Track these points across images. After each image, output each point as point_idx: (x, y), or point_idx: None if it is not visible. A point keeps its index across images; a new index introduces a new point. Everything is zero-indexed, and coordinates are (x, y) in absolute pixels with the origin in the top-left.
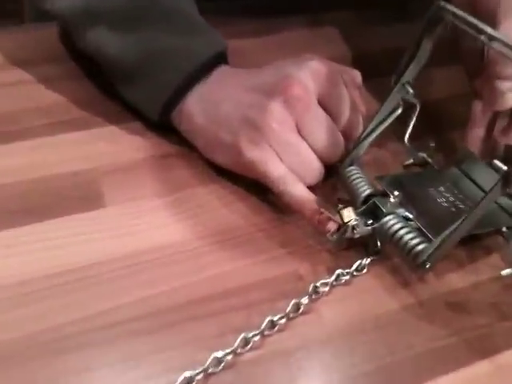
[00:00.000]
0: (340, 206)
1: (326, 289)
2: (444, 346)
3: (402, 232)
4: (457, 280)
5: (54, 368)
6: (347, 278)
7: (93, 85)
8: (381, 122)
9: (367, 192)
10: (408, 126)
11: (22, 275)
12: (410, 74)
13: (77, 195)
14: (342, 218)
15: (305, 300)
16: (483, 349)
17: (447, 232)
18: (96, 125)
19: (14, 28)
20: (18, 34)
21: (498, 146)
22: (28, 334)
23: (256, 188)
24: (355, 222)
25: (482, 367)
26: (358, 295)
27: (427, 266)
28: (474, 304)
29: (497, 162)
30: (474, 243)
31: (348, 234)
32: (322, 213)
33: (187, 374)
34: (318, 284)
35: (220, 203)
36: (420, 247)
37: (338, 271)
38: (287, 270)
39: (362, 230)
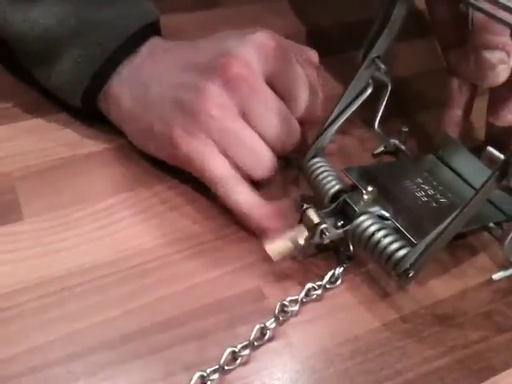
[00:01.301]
0: (305, 205)
1: (296, 308)
2: (435, 370)
3: (379, 235)
4: (442, 288)
5: None
6: (319, 292)
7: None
8: (348, 106)
9: (336, 188)
10: (378, 109)
11: None
12: (380, 47)
13: None
14: (306, 221)
15: (271, 323)
16: (479, 371)
17: (433, 235)
18: (11, 119)
19: None
20: None
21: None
22: None
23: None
24: (324, 225)
25: None
26: (333, 313)
27: (410, 275)
28: (464, 315)
29: (491, 150)
30: (457, 242)
31: (316, 240)
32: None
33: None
34: (285, 302)
35: (164, 207)
36: (401, 253)
37: (308, 285)
38: (247, 287)
39: (333, 233)
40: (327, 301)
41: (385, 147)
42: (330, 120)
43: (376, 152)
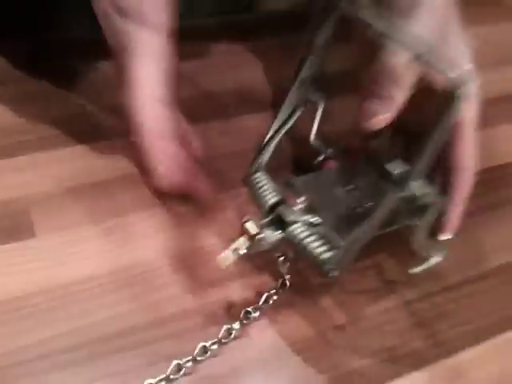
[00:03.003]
0: (245, 218)
1: (257, 313)
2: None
3: (306, 241)
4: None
5: None
6: (275, 298)
7: (18, 111)
8: (283, 124)
9: (272, 200)
10: (313, 124)
11: None
12: (307, 70)
13: (5, 225)
14: (246, 232)
15: (236, 325)
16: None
17: (350, 239)
18: (25, 152)
19: None
20: None
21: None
22: None
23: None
24: (261, 236)
25: None
26: (287, 317)
27: (334, 274)
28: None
29: (387, 167)
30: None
31: (255, 249)
32: None
33: (150, 380)
34: (248, 309)
35: (150, 232)
36: (326, 255)
37: (266, 294)
38: (218, 297)
39: (269, 242)
40: (282, 305)
41: (324, 157)
42: (267, 138)
43: (316, 162)
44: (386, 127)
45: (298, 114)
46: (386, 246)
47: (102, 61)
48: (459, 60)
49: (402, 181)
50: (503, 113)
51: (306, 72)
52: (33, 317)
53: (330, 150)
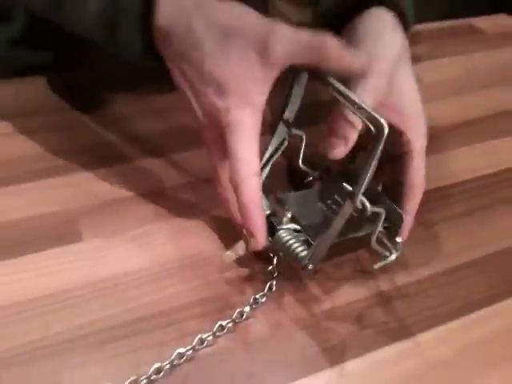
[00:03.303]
0: None
1: (264, 299)
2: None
3: (289, 243)
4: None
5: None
6: (263, 300)
7: (69, 136)
8: (272, 154)
9: (266, 213)
10: (299, 153)
11: (23, 295)
12: (288, 113)
13: (57, 232)
14: (244, 237)
15: (247, 309)
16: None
17: (318, 241)
18: (63, 173)
19: None
20: None
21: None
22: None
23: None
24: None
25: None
26: (286, 302)
27: (309, 268)
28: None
29: (345, 185)
30: None
31: (249, 249)
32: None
33: (157, 364)
34: (257, 296)
35: (165, 239)
36: (303, 253)
37: (268, 283)
38: (231, 288)
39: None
40: (281, 294)
41: (312, 178)
42: (261, 165)
43: (306, 181)
44: (361, 153)
45: (283, 147)
46: None
47: (126, 95)
48: (403, 103)
49: (352, 196)
50: (463, 137)
51: (288, 115)
52: (80, 304)
53: (315, 173)
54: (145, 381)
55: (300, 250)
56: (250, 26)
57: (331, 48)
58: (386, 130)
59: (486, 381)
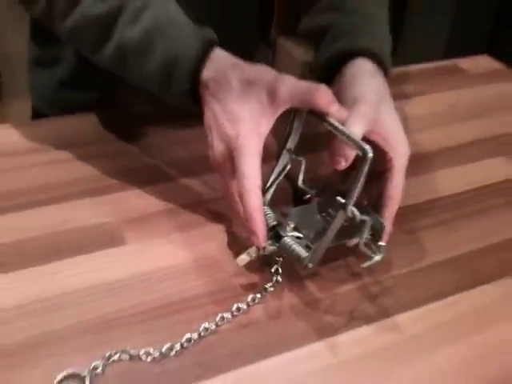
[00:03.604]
0: None
1: (272, 288)
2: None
3: (292, 248)
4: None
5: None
6: (280, 280)
7: (113, 161)
8: (277, 176)
9: (272, 223)
10: (299, 175)
11: (86, 283)
12: (290, 143)
13: (105, 237)
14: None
15: (258, 295)
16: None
17: (318, 243)
18: (118, 190)
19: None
20: (52, 124)
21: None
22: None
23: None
24: (264, 244)
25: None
26: (289, 293)
27: (310, 266)
28: None
29: (338, 198)
30: None
31: (261, 253)
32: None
33: (187, 335)
34: (266, 286)
35: (190, 243)
36: (304, 255)
37: (274, 277)
38: (248, 281)
39: (269, 248)
40: (285, 287)
41: (310, 195)
42: (268, 184)
43: (306, 198)
44: (354, 172)
45: (285, 171)
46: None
47: (156, 128)
48: (387, 131)
49: (344, 206)
50: (446, 160)
51: (290, 144)
52: (130, 291)
53: (313, 191)
54: (178, 347)
55: (302, 252)
56: (265, 77)
57: (321, 97)
58: (370, 155)
59: (454, 349)
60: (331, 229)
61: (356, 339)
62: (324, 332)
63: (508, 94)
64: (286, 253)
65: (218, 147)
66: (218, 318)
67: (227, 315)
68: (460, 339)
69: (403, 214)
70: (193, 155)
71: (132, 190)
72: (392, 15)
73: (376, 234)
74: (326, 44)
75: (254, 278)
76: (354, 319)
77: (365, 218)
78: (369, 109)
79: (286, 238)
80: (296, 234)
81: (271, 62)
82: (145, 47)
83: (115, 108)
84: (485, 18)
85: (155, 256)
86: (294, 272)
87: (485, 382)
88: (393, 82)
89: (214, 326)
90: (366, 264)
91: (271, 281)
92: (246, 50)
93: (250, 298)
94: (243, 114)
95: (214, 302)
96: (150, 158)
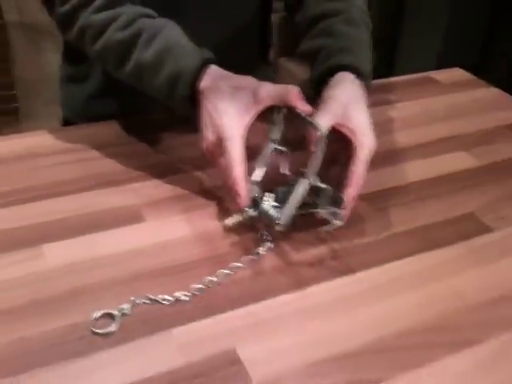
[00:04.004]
0: None
1: (265, 252)
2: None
3: (269, 212)
4: None
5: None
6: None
7: (135, 159)
8: (264, 165)
9: (255, 195)
10: (283, 163)
11: (115, 249)
12: (274, 134)
13: (126, 216)
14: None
15: (252, 256)
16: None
17: (286, 206)
18: (136, 181)
19: (80, 126)
20: (81, 130)
21: None
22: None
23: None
24: (246, 210)
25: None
26: (278, 259)
27: (281, 224)
28: None
29: (302, 169)
30: None
31: (244, 216)
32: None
33: (198, 285)
34: (259, 250)
35: (192, 221)
36: (276, 216)
37: (266, 244)
38: (244, 248)
39: (250, 213)
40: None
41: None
42: (255, 172)
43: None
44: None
45: (271, 157)
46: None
47: (172, 131)
48: (355, 126)
49: (305, 176)
50: (418, 154)
51: (273, 135)
52: (150, 255)
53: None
54: (189, 294)
55: (274, 214)
56: (249, 83)
57: (291, 95)
58: (324, 131)
59: (412, 295)
60: (295, 192)
61: (326, 289)
62: (298, 284)
63: (473, 101)
64: (263, 216)
65: (209, 137)
66: (219, 273)
67: (227, 271)
68: (416, 288)
69: (376, 196)
70: (199, 154)
71: (149, 180)
72: (388, 33)
73: (336, 206)
74: (318, 62)
75: (248, 245)
76: (324, 274)
77: (323, 186)
78: (337, 105)
79: (263, 205)
80: (274, 203)
81: (272, 80)
82: (156, 65)
83: (135, 116)
84: (475, 35)
85: (168, 230)
86: (279, 241)
87: (436, 318)
88: (376, 91)
89: (216, 279)
90: (326, 228)
91: (262, 247)
92: (249, 70)
93: (246, 258)
94: (229, 109)
95: (217, 263)
96: (163, 156)
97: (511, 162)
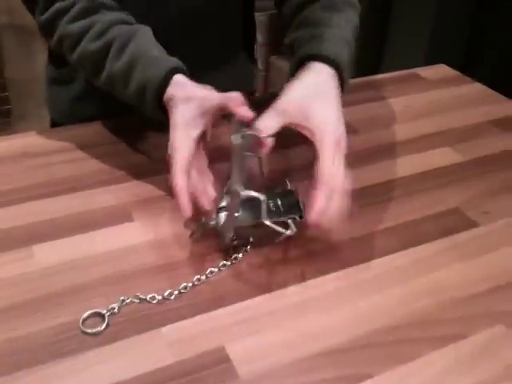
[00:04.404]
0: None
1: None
2: None
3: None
4: None
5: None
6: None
7: (120, 158)
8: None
9: (220, 205)
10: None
11: (103, 248)
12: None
13: (116, 216)
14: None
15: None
16: None
17: (225, 220)
18: (125, 180)
19: (68, 127)
20: (69, 131)
21: None
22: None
23: None
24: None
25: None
26: (256, 261)
27: (226, 237)
28: None
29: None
30: None
31: (205, 226)
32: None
33: (198, 276)
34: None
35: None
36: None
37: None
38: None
39: (210, 223)
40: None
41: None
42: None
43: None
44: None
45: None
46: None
47: (158, 131)
48: (314, 124)
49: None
50: (403, 150)
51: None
52: (138, 253)
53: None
54: (177, 293)
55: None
56: (200, 95)
57: (231, 103)
58: (234, 142)
59: (398, 289)
60: (231, 206)
61: (313, 286)
62: (285, 282)
63: (457, 97)
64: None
65: (168, 147)
66: (207, 272)
67: (215, 269)
68: (401, 283)
69: (360, 193)
70: None
71: (138, 180)
72: (377, 31)
73: (292, 212)
74: (294, 55)
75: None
76: (310, 271)
77: (257, 195)
78: (291, 104)
79: (220, 215)
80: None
81: (258, 77)
82: (126, 76)
83: (121, 117)
84: (461, 33)
85: (157, 229)
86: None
87: (421, 313)
88: (362, 88)
89: (204, 277)
90: (278, 239)
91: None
92: (233, 66)
93: (233, 256)
94: (179, 121)
95: (205, 261)
96: (151, 154)
97: (495, 156)
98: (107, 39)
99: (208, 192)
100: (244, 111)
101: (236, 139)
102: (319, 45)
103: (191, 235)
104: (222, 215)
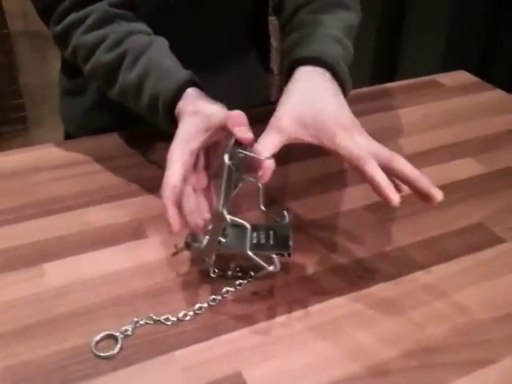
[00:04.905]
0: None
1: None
2: None
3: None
4: None
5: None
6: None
7: (134, 171)
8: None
9: (208, 228)
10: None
11: (124, 265)
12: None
13: (130, 233)
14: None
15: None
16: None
17: (207, 243)
18: (137, 194)
19: (82, 139)
20: (82, 143)
21: None
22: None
23: None
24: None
25: None
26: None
27: (206, 260)
28: None
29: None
30: None
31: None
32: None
33: (213, 296)
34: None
35: None
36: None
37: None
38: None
39: (193, 245)
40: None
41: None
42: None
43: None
44: None
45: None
46: None
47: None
48: (322, 133)
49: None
50: (421, 161)
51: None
52: (152, 272)
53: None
54: (192, 314)
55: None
56: (208, 111)
57: (229, 122)
58: (226, 162)
59: (420, 311)
60: (212, 230)
61: (333, 306)
62: (304, 302)
63: (478, 104)
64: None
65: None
66: (223, 291)
67: (231, 289)
68: (422, 305)
69: (377, 208)
70: None
71: (151, 194)
72: (391, 35)
73: (281, 247)
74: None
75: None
76: (329, 291)
77: (242, 222)
78: (283, 121)
79: (205, 238)
80: (220, 238)
81: (269, 86)
82: (138, 88)
83: (135, 127)
84: (477, 39)
85: (170, 246)
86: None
87: (442, 337)
88: (378, 97)
89: (219, 297)
90: (258, 274)
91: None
92: (248, 78)
93: (237, 283)
94: (181, 133)
95: (220, 281)
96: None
97: None
98: (121, 50)
99: (201, 211)
100: (243, 132)
101: (227, 159)
102: (303, 48)
103: (174, 253)
104: (206, 238)
